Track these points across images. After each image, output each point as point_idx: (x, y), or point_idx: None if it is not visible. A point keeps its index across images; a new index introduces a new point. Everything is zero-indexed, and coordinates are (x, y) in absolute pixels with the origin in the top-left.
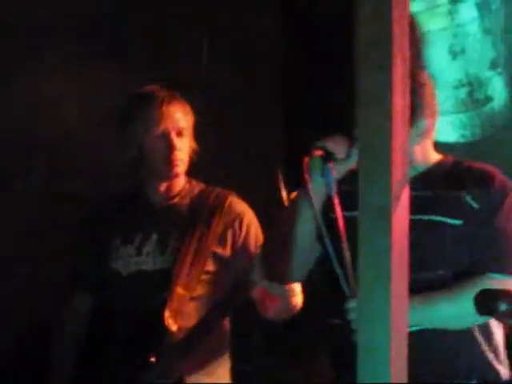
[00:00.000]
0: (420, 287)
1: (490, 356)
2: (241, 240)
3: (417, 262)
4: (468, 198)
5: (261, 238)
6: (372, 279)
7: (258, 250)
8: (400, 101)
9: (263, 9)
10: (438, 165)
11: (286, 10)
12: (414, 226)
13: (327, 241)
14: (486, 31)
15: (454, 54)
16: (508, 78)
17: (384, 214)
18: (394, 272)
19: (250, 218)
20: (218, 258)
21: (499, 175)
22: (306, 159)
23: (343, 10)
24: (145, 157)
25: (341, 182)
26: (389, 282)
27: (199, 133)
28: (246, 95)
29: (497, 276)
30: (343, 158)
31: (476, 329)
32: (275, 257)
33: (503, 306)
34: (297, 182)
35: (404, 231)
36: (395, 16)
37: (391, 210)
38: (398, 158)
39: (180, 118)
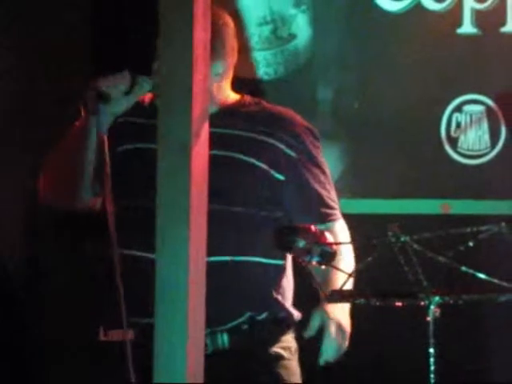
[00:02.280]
0: (224, 219)
1: (279, 297)
2: None
3: (222, 196)
4: (279, 144)
5: None
6: (170, 214)
7: None
8: (201, 34)
9: None
10: (238, 104)
11: None
12: (220, 161)
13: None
14: None
15: None
16: (311, 16)
17: (184, 149)
18: (192, 207)
19: None
20: None
21: (301, 120)
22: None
23: None
24: None
25: (130, 114)
26: (188, 218)
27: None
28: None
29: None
30: (119, 96)
31: (270, 273)
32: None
33: (301, 243)
34: None
35: (203, 166)
36: None
37: (191, 144)
38: (198, 93)
39: None
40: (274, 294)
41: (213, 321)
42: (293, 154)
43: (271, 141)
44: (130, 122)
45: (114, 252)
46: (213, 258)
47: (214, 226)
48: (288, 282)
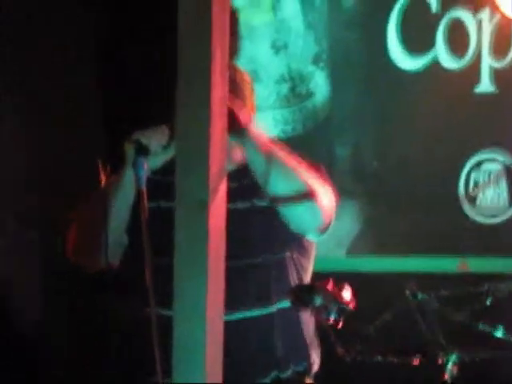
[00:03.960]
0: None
1: (308, 345)
2: None
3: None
4: None
5: None
6: (188, 272)
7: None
8: (219, 93)
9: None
10: None
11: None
12: (243, 212)
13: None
14: (309, 26)
15: (277, 49)
16: (329, 73)
17: (201, 207)
18: (210, 265)
19: None
20: None
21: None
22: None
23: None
24: None
25: (162, 173)
26: (205, 275)
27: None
28: (64, 90)
29: None
30: (159, 150)
31: (300, 320)
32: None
33: (318, 301)
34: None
35: (221, 223)
36: (215, 10)
37: (209, 202)
38: (215, 151)
39: None
40: (305, 342)
41: (238, 382)
42: None
43: None
44: (156, 179)
45: (152, 310)
46: (253, 313)
47: (246, 280)
48: (311, 329)
